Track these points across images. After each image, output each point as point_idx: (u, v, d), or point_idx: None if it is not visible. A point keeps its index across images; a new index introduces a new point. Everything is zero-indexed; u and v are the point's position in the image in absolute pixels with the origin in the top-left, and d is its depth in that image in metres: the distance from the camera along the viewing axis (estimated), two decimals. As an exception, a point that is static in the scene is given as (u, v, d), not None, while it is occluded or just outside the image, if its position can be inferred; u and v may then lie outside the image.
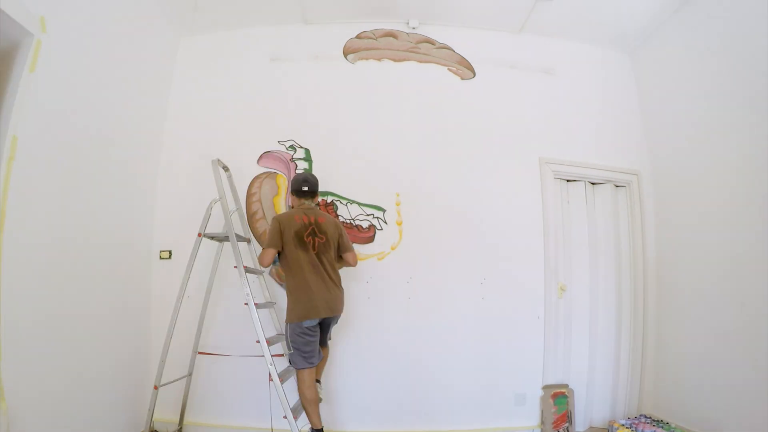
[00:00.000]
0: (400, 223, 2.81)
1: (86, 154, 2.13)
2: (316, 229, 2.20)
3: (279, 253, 2.21)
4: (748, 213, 2.29)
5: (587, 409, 2.83)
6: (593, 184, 3.10)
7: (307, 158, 2.85)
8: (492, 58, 3.11)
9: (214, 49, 3.06)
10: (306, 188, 2.30)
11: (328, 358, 2.49)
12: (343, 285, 2.32)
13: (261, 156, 2.84)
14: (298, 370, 2.16)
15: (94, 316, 2.17)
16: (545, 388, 2.72)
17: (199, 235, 2.39)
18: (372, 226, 2.79)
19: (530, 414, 2.72)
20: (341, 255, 2.34)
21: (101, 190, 2.25)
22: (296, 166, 2.84)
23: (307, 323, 2.12)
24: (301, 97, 2.95)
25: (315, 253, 2.17)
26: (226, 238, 2.40)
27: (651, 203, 3.04)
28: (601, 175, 3.04)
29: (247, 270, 2.28)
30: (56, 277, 1.93)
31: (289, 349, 2.17)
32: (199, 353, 2.54)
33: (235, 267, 2.24)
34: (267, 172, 2.83)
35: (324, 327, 2.29)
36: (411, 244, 2.79)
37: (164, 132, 2.88)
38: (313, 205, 2.33)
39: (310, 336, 2.14)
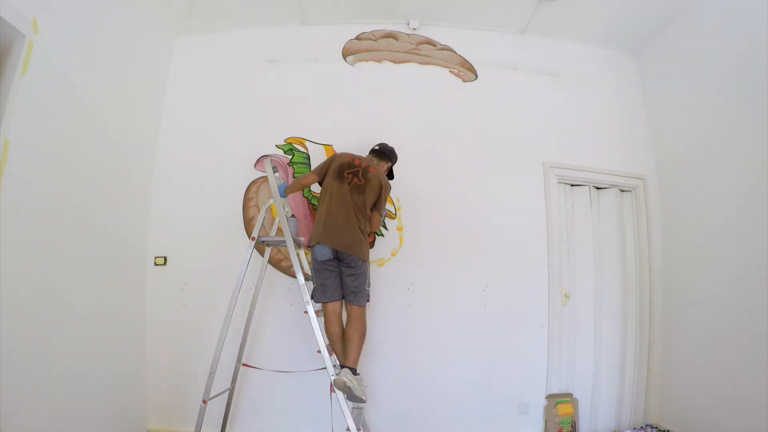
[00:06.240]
0: (400, 229, 2.76)
1: (79, 156, 2.09)
2: (360, 173, 2.22)
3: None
4: (757, 218, 2.23)
5: (592, 418, 2.77)
6: (598, 188, 3.05)
7: (306, 162, 2.80)
8: (494, 59, 3.06)
9: (210, 51, 3.01)
10: (377, 147, 2.43)
11: (361, 336, 2.14)
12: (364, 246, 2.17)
13: (258, 160, 2.78)
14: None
15: (87, 324, 2.12)
16: (549, 397, 2.66)
17: (252, 238, 2.28)
18: (371, 231, 2.73)
19: (534, 423, 2.66)
20: (371, 210, 2.26)
21: (95, 194, 2.21)
22: (294, 170, 2.79)
23: (319, 256, 2.10)
24: (299, 99, 2.91)
25: (349, 189, 2.17)
26: (280, 243, 2.30)
27: (657, 208, 2.98)
28: (606, 179, 2.99)
29: (306, 277, 2.20)
30: (49, 282, 1.89)
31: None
32: (243, 365, 2.42)
33: (293, 275, 2.15)
34: (264, 176, 2.78)
35: (342, 270, 2.14)
36: (412, 250, 2.73)
37: (159, 134, 2.83)
38: (375, 161, 2.39)
39: (319, 272, 2.14)
